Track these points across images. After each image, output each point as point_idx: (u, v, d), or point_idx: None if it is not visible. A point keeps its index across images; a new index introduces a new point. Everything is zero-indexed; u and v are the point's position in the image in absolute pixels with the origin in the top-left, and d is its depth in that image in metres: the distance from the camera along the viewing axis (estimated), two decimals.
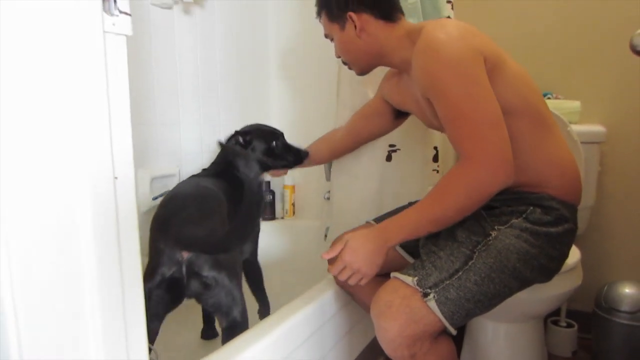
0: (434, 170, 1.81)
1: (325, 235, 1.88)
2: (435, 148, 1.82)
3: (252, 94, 2.16)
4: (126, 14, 0.64)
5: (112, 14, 0.62)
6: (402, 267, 1.12)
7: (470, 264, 1.03)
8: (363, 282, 1.09)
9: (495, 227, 1.08)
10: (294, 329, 1.13)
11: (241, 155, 1.33)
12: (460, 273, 1.03)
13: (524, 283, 1.09)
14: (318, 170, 1.94)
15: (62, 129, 0.58)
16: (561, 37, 1.95)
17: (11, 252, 0.54)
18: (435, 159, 1.82)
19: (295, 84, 2.25)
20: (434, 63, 1.04)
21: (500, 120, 1.01)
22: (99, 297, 0.62)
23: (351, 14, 1.21)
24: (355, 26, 1.21)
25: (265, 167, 1.51)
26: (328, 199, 1.90)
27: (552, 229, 1.09)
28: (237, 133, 1.47)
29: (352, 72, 1.77)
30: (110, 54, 0.62)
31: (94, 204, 0.60)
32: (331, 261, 1.13)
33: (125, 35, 0.64)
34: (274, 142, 1.49)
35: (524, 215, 1.09)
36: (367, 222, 1.38)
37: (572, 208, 1.15)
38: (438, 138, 1.82)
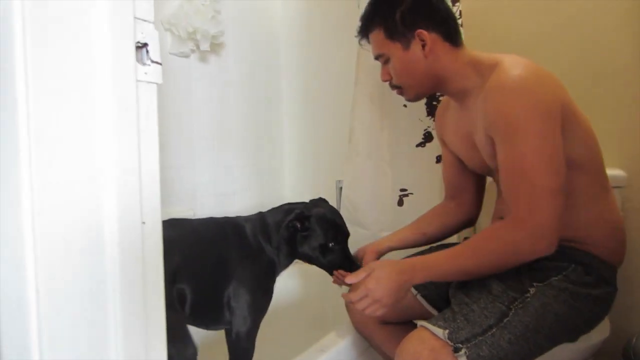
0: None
1: None
2: None
3: (266, 137, 2.19)
4: (157, 63, 0.66)
5: (144, 64, 0.64)
6: (421, 315, 1.10)
7: (505, 321, 0.98)
8: (379, 313, 1.03)
9: (534, 284, 1.03)
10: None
11: (282, 239, 1.25)
12: (494, 330, 0.97)
13: (555, 343, 1.05)
14: (329, 198, 1.94)
15: (95, 174, 0.59)
16: (575, 78, 1.96)
17: (40, 294, 0.54)
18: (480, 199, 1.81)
19: (308, 126, 2.28)
20: (511, 104, 0.97)
21: (561, 189, 0.95)
22: (122, 342, 0.61)
23: (422, 31, 1.11)
24: (423, 45, 1.11)
25: (301, 258, 1.31)
26: None
27: (593, 291, 1.05)
28: (297, 215, 1.25)
29: (366, 115, 1.80)
30: (142, 102, 0.63)
31: (122, 248, 0.60)
32: (351, 288, 1.11)
33: (156, 84, 0.66)
34: (333, 243, 1.27)
35: (564, 273, 1.05)
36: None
37: (614, 270, 1.11)
38: None
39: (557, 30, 1.84)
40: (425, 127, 1.88)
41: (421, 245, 1.34)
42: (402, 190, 1.86)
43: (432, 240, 1.35)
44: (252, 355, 1.17)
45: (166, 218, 1.55)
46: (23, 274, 0.54)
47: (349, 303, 1.11)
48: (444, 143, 1.34)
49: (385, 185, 1.82)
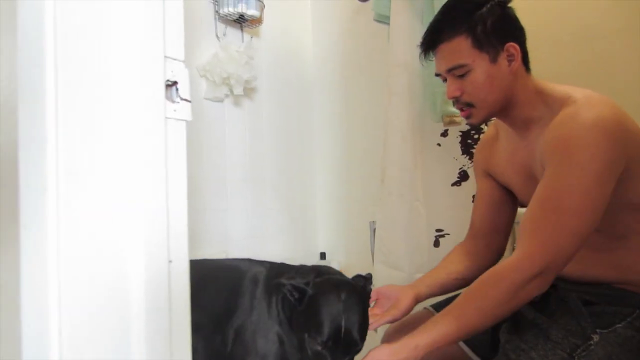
0: None
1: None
2: None
3: (298, 180, 2.19)
4: (187, 100, 0.66)
5: (173, 101, 0.65)
6: None
7: None
8: None
9: (597, 331, 0.95)
10: None
11: (275, 314, 1.04)
12: None
13: None
14: (363, 252, 1.89)
15: (123, 210, 0.58)
16: None
17: (63, 332, 0.53)
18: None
19: (341, 167, 2.27)
20: (578, 137, 0.90)
21: (586, 236, 0.90)
22: None
23: (513, 44, 1.01)
24: (510, 61, 1.02)
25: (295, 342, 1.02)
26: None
27: None
28: (292, 286, 0.99)
29: (398, 154, 1.77)
30: (170, 139, 0.63)
31: (148, 286, 0.59)
32: None
33: (185, 121, 0.66)
34: (320, 346, 0.92)
35: (628, 319, 0.96)
36: (425, 309, 1.27)
37: None
38: None
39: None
40: (461, 166, 1.84)
41: (458, 289, 1.27)
42: (438, 230, 1.81)
43: (467, 283, 1.27)
44: None
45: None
46: (46, 313, 0.54)
47: None
48: (485, 176, 1.25)
49: (419, 226, 1.77)
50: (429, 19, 1.70)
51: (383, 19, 1.82)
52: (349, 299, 0.95)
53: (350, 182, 2.24)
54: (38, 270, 0.54)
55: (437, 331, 0.92)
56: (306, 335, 0.93)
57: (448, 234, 1.78)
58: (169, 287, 0.62)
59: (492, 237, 1.26)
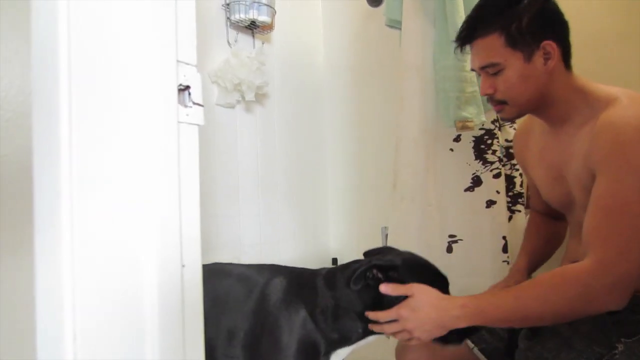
0: (504, 261, 1.70)
1: None
2: (504, 238, 1.72)
3: (310, 185, 2.18)
4: (199, 105, 0.66)
5: (186, 106, 0.65)
6: None
7: None
8: (412, 342, 0.93)
9: (622, 340, 0.92)
10: None
11: (345, 301, 0.98)
12: None
13: None
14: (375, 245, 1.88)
15: (135, 215, 0.58)
16: None
17: (77, 336, 0.53)
18: (505, 249, 1.72)
19: (352, 173, 2.26)
20: (629, 142, 0.88)
21: None
22: None
23: (550, 42, 0.98)
24: (546, 59, 0.99)
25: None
26: None
27: None
28: (380, 264, 0.97)
29: (410, 159, 1.76)
30: (183, 143, 0.63)
31: (161, 290, 0.59)
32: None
33: (198, 125, 0.66)
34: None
35: None
36: None
37: None
38: (506, 226, 1.73)
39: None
40: (474, 172, 1.82)
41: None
42: (450, 236, 1.79)
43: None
44: None
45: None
46: (61, 318, 0.54)
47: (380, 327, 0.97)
48: (524, 168, 1.25)
49: (432, 231, 1.75)
50: (441, 23, 1.70)
51: (395, 24, 1.81)
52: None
53: (362, 187, 2.23)
54: (52, 274, 0.55)
55: (489, 301, 0.91)
56: None
57: (461, 240, 1.76)
58: (182, 291, 0.62)
59: (553, 212, 1.24)
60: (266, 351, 0.98)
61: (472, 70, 1.11)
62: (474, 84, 1.67)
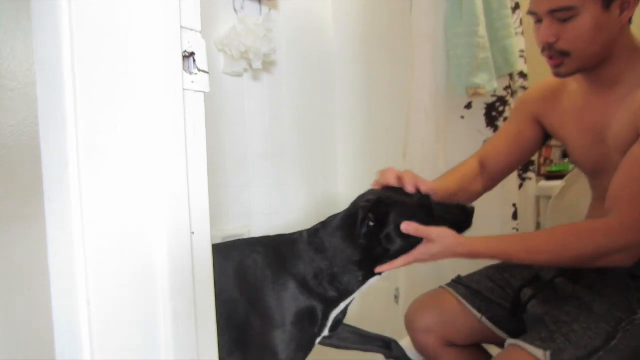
0: (513, 229, 1.70)
1: (396, 297, 1.79)
2: (514, 205, 1.72)
3: (319, 154, 2.17)
4: (204, 72, 0.65)
5: (191, 73, 0.64)
6: (487, 338, 1.01)
7: (612, 343, 0.88)
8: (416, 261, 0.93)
9: None
10: None
11: (353, 249, 0.95)
12: (600, 353, 0.87)
13: None
14: None
15: (143, 183, 0.58)
16: None
17: (91, 302, 0.54)
18: (515, 216, 1.71)
19: (362, 142, 2.25)
20: None
21: None
22: (173, 347, 0.60)
23: None
24: (625, 9, 0.91)
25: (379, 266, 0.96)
26: None
27: None
28: (369, 206, 0.94)
29: (420, 128, 1.75)
30: (189, 110, 0.63)
31: (171, 258, 0.60)
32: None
33: (204, 92, 0.65)
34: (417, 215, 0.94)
35: None
36: (442, 287, 1.26)
37: None
38: (516, 194, 1.72)
39: None
40: (485, 139, 1.81)
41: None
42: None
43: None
44: None
45: (220, 235, 1.57)
46: (74, 284, 0.54)
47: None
48: (529, 120, 1.17)
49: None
50: None
51: None
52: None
53: (372, 157, 2.22)
54: (64, 243, 0.55)
55: (500, 245, 0.93)
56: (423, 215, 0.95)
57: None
58: (192, 258, 0.62)
59: (494, 174, 1.24)
60: (259, 336, 0.94)
61: (531, 13, 0.99)
62: (486, 49, 1.63)
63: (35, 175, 0.60)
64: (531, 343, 0.91)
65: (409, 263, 0.93)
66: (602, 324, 0.91)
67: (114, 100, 0.57)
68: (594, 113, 1.01)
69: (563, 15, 0.92)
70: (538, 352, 0.88)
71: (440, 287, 1.26)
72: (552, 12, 0.93)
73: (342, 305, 1.01)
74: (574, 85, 1.09)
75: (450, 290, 1.22)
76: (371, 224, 0.93)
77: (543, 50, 0.99)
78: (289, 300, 0.95)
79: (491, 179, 1.24)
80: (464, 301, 1.17)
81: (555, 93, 1.13)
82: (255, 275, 0.97)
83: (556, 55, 0.96)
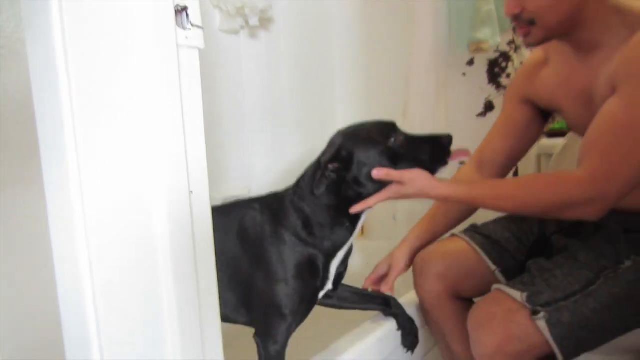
0: None
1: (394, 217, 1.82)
2: None
3: (318, 115, 2.15)
4: (198, 27, 0.63)
5: (184, 28, 0.62)
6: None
7: (591, 288, 0.91)
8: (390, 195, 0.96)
9: (632, 257, 0.94)
10: (368, 350, 1.07)
11: (322, 206, 0.97)
12: (578, 296, 0.90)
13: None
14: None
15: (140, 143, 0.58)
16: None
17: (94, 261, 0.55)
18: (516, 173, 1.71)
19: (361, 101, 2.22)
20: None
21: None
22: (176, 305, 0.61)
23: None
24: None
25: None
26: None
27: None
28: (330, 157, 0.96)
29: (421, 86, 1.73)
30: (183, 67, 0.61)
31: (171, 217, 0.60)
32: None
33: (198, 48, 0.64)
34: (393, 139, 0.96)
35: None
36: (453, 235, 1.26)
37: None
38: None
39: None
40: (486, 96, 1.79)
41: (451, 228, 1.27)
42: (461, 163, 1.78)
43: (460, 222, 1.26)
44: None
45: (221, 196, 1.57)
46: (75, 245, 0.55)
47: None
48: (520, 102, 1.18)
49: None
50: None
51: None
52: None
53: (372, 115, 2.19)
54: (63, 203, 0.55)
55: (472, 194, 0.95)
56: (390, 146, 0.96)
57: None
58: (191, 217, 0.62)
59: (499, 168, 1.23)
60: (263, 291, 0.96)
61: None
62: (489, 1, 1.59)
63: (30, 137, 0.59)
64: (512, 287, 0.95)
65: (381, 201, 0.95)
66: (585, 271, 0.94)
67: (107, 57, 0.55)
68: (580, 78, 1.02)
69: None
70: (516, 294, 0.92)
71: (455, 234, 1.26)
72: None
73: (341, 255, 1.03)
74: (556, 56, 1.09)
75: (467, 239, 1.21)
76: (332, 176, 0.95)
77: (511, 21, 1.01)
78: (287, 253, 0.97)
79: (495, 171, 1.22)
80: (481, 251, 1.17)
81: (539, 68, 1.14)
82: (255, 232, 0.99)
83: (523, 24, 0.98)
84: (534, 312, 0.89)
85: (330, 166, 0.95)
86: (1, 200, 0.78)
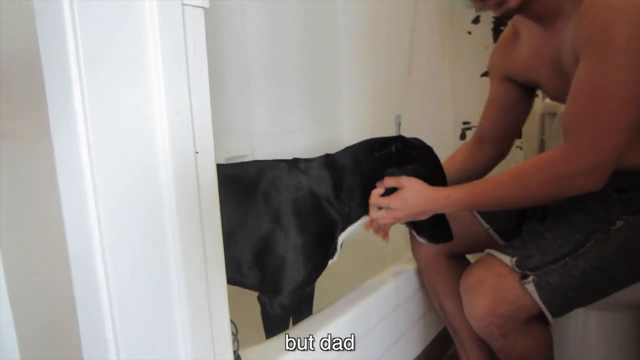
0: (517, 147, 1.71)
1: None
2: None
3: (323, 73, 2.14)
4: None
5: None
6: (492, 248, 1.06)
7: (581, 251, 0.93)
8: (385, 221, 1.02)
9: (623, 217, 0.95)
10: (371, 307, 1.12)
11: (364, 175, 1.03)
12: (567, 259, 0.92)
13: (636, 279, 0.98)
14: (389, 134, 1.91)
15: (146, 104, 0.59)
16: None
17: (102, 218, 0.56)
18: (519, 134, 1.71)
19: (366, 60, 2.20)
20: (612, 21, 0.84)
21: (633, 127, 0.85)
22: (182, 264, 0.63)
23: None
24: None
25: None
26: None
27: None
28: (398, 140, 1.03)
29: (426, 44, 1.70)
30: (189, 27, 0.61)
31: (177, 177, 0.61)
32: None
33: (203, 8, 0.63)
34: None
35: None
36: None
37: None
38: None
39: None
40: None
41: None
42: (464, 123, 1.79)
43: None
44: (285, 326, 1.03)
45: (224, 155, 1.59)
46: (84, 202, 0.56)
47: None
48: (501, 79, 1.21)
49: (446, 119, 1.75)
50: None
51: None
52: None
53: (376, 75, 2.18)
54: (72, 162, 0.56)
55: (470, 191, 0.96)
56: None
57: (475, 126, 1.75)
58: (197, 176, 0.64)
59: (499, 142, 1.27)
60: (281, 248, 0.99)
61: None
62: None
63: (37, 92, 0.60)
64: (502, 251, 0.97)
65: (384, 204, 1.00)
66: (576, 234, 0.95)
67: (113, 15, 0.55)
68: (548, 47, 1.04)
69: None
70: (506, 259, 0.95)
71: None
72: None
73: (349, 230, 1.06)
74: (525, 30, 1.11)
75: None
76: (393, 149, 1.01)
77: None
78: (310, 214, 1.01)
79: (496, 145, 1.27)
80: (475, 213, 1.22)
81: (510, 44, 1.16)
82: (279, 191, 1.02)
83: None
84: (523, 276, 0.92)
85: (399, 143, 1.02)
86: (8, 153, 0.80)
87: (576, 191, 0.90)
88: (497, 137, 1.27)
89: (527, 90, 1.21)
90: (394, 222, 1.03)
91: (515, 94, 1.21)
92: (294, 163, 1.06)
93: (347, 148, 1.08)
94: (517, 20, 1.13)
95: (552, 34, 1.02)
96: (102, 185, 0.56)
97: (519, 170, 0.94)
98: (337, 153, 1.08)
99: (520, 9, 0.99)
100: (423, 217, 1.01)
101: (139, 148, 0.59)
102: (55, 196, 0.59)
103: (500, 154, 1.29)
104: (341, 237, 1.06)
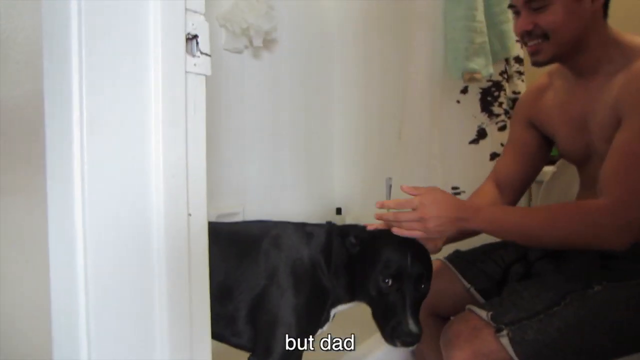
0: None
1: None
2: None
3: (316, 134, 2.18)
4: (207, 54, 0.66)
5: (194, 55, 0.65)
6: None
7: (555, 309, 0.94)
8: (418, 234, 0.94)
9: (603, 283, 0.96)
10: None
11: (339, 262, 0.98)
12: (541, 316, 0.93)
13: (620, 350, 0.97)
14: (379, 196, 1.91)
15: (143, 165, 0.60)
16: None
17: (89, 278, 0.56)
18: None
19: (359, 122, 2.25)
20: None
21: None
22: (168, 323, 0.62)
23: None
24: None
25: (360, 297, 0.99)
26: None
27: None
28: (355, 230, 1.00)
29: (416, 110, 1.76)
30: (190, 93, 0.64)
31: (168, 238, 0.61)
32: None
33: (205, 75, 0.66)
34: (390, 280, 0.90)
35: None
36: (439, 260, 1.27)
37: None
38: None
39: None
40: (479, 124, 1.82)
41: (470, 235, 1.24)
42: (454, 188, 1.82)
43: None
44: None
45: (215, 212, 1.59)
46: (73, 262, 0.56)
47: (392, 221, 0.98)
48: (527, 126, 1.22)
49: (436, 182, 1.78)
50: None
51: None
52: (409, 240, 0.96)
53: (368, 137, 2.23)
54: (64, 218, 0.56)
55: (501, 212, 0.97)
56: (383, 282, 0.91)
57: (464, 192, 1.79)
58: (188, 238, 0.64)
59: (513, 189, 1.26)
60: (276, 307, 0.96)
61: (510, 7, 1.09)
62: (483, 34, 1.64)
63: (36, 149, 0.61)
64: (481, 307, 0.98)
65: (413, 205, 0.96)
66: (550, 293, 0.96)
67: (118, 80, 0.58)
68: (576, 104, 1.07)
69: (537, 5, 1.01)
70: (482, 313, 0.96)
71: (437, 259, 1.29)
72: (528, 3, 1.02)
73: (344, 307, 1.04)
74: (559, 81, 1.15)
75: (446, 262, 1.27)
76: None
77: (522, 38, 1.07)
78: (307, 279, 0.98)
79: (511, 192, 1.25)
80: (455, 270, 1.23)
81: (542, 92, 1.19)
82: (284, 252, 1.00)
83: (535, 38, 1.03)
84: (498, 330, 0.92)
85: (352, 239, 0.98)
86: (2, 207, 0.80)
87: (601, 244, 0.91)
88: (516, 185, 1.26)
89: (548, 141, 1.23)
90: (423, 228, 0.93)
91: (537, 140, 1.23)
92: (301, 225, 1.04)
93: (358, 227, 1.05)
94: (554, 69, 1.16)
95: (585, 89, 1.05)
96: (93, 246, 0.56)
97: (554, 206, 0.98)
98: (349, 229, 1.04)
99: (554, 61, 1.04)
100: (450, 229, 0.95)
101: (133, 209, 0.59)
102: (44, 253, 0.59)
103: (511, 203, 1.27)
104: (334, 311, 1.03)
